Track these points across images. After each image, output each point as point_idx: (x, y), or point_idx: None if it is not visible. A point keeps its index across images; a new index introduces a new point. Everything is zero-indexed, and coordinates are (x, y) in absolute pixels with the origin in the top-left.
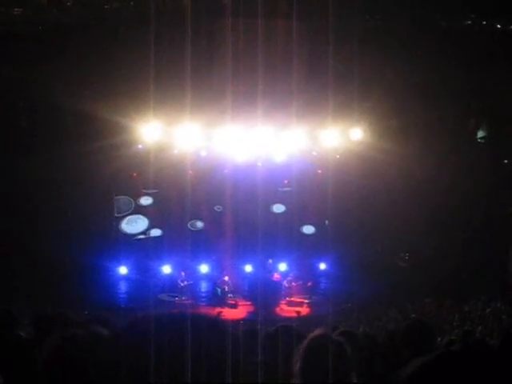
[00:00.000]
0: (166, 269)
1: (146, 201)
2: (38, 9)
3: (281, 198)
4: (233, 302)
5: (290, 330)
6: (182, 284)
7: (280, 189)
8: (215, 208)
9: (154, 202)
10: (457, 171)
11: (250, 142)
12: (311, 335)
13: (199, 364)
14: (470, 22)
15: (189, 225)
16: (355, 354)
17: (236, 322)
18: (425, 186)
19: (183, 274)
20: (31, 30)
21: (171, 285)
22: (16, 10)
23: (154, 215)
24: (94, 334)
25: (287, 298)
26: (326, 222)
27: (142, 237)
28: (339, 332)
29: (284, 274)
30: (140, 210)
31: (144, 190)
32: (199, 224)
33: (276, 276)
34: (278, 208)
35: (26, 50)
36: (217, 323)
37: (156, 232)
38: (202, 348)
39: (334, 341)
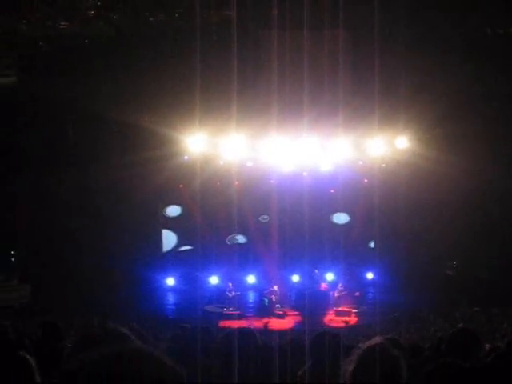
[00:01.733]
0: (214, 280)
1: (173, 211)
2: (85, 22)
3: (327, 207)
4: (280, 312)
5: (335, 337)
6: (229, 295)
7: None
8: (260, 219)
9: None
10: (505, 180)
11: (295, 152)
12: (367, 343)
13: (246, 375)
14: None
15: (227, 240)
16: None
17: (284, 332)
18: (473, 195)
19: (231, 284)
20: (78, 43)
21: (219, 296)
22: (63, 24)
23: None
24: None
25: (335, 308)
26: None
27: (187, 248)
28: (387, 340)
29: (331, 284)
30: (168, 223)
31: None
32: (240, 238)
33: (323, 286)
34: (340, 218)
35: (73, 63)
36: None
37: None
38: (250, 363)
39: (389, 352)
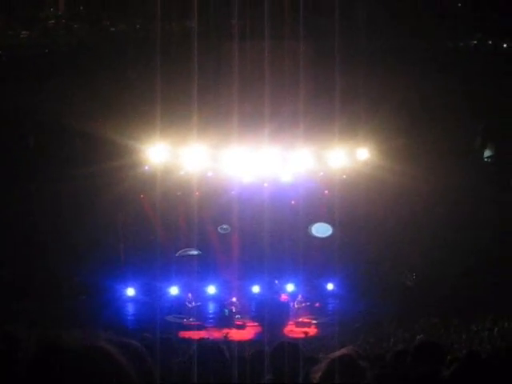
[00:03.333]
0: (174, 290)
1: None
2: (45, 31)
3: (287, 218)
4: (240, 323)
5: (294, 347)
6: (189, 305)
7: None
8: (219, 229)
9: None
10: (463, 190)
11: (256, 163)
12: (335, 354)
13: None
14: (476, 42)
15: (178, 254)
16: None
17: (243, 344)
18: (431, 205)
19: (190, 295)
20: (38, 52)
21: (179, 306)
22: (23, 32)
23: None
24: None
25: (295, 319)
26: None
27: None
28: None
29: (291, 295)
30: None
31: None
32: (193, 252)
33: (283, 297)
34: (323, 231)
35: (34, 72)
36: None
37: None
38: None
39: (357, 363)
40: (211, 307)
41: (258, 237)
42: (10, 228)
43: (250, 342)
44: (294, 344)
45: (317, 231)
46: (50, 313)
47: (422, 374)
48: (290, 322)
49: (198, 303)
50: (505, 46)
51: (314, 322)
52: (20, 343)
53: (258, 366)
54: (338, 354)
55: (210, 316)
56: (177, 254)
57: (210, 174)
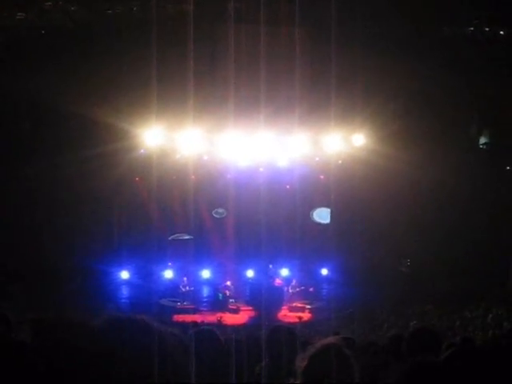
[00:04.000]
0: (168, 274)
1: None
2: (41, 13)
3: (283, 203)
4: (234, 307)
5: (291, 331)
6: (183, 289)
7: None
8: (213, 213)
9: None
10: (459, 177)
11: (252, 147)
12: (320, 342)
13: (203, 371)
14: (472, 29)
15: (170, 238)
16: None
17: (237, 328)
18: (427, 192)
19: (185, 279)
20: (34, 34)
21: (173, 290)
22: (19, 14)
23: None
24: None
25: (289, 304)
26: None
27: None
28: (340, 338)
29: (286, 280)
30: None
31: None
32: (185, 236)
33: (277, 281)
34: (324, 217)
35: (29, 55)
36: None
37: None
38: (205, 356)
39: (341, 351)
40: (205, 291)
41: (253, 221)
42: (5, 212)
43: (244, 327)
44: (290, 328)
45: (319, 217)
46: (45, 296)
47: (418, 360)
48: (284, 307)
49: (192, 287)
50: (502, 33)
51: (308, 306)
52: (13, 325)
53: (255, 351)
54: (322, 342)
55: (204, 300)
56: (169, 238)
57: (205, 157)
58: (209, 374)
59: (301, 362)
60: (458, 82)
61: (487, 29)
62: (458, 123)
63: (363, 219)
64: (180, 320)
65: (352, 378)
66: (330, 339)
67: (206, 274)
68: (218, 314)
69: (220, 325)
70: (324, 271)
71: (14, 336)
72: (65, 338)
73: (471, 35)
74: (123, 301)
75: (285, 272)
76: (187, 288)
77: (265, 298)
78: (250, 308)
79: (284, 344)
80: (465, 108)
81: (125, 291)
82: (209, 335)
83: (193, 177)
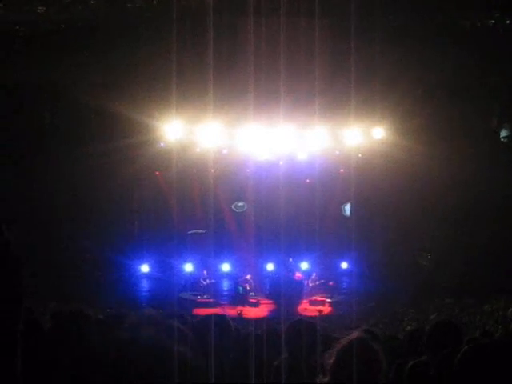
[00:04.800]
0: (188, 267)
1: None
2: (62, 7)
3: (303, 196)
4: (254, 301)
5: (311, 325)
6: (203, 282)
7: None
8: (233, 206)
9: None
10: (479, 171)
11: (271, 141)
12: (347, 338)
13: (221, 364)
14: (493, 21)
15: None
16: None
17: (257, 321)
18: (447, 185)
19: (205, 272)
20: (54, 28)
21: (193, 283)
22: (40, 8)
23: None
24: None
25: (309, 297)
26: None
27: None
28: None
29: (306, 273)
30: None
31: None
32: (199, 231)
33: (298, 275)
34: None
35: (50, 49)
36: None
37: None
38: (225, 349)
39: (369, 346)
40: (225, 284)
41: (272, 215)
42: (25, 206)
43: (264, 320)
44: (310, 322)
45: (350, 211)
46: (65, 289)
47: (439, 354)
48: (304, 301)
49: (213, 280)
50: None
51: (328, 300)
52: (36, 317)
53: (274, 344)
54: (349, 337)
55: (224, 293)
56: (189, 233)
57: (225, 151)
58: (228, 369)
59: (328, 359)
60: (479, 75)
61: (508, 21)
62: (479, 116)
63: (383, 212)
64: (200, 313)
65: (381, 373)
66: (356, 334)
67: (225, 267)
68: (238, 308)
69: (240, 318)
70: (344, 265)
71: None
72: (82, 329)
73: (492, 27)
74: (144, 294)
75: (305, 265)
76: (208, 281)
77: (285, 292)
78: (270, 301)
79: (304, 338)
80: (485, 101)
81: (145, 285)
82: (218, 321)
83: (212, 170)
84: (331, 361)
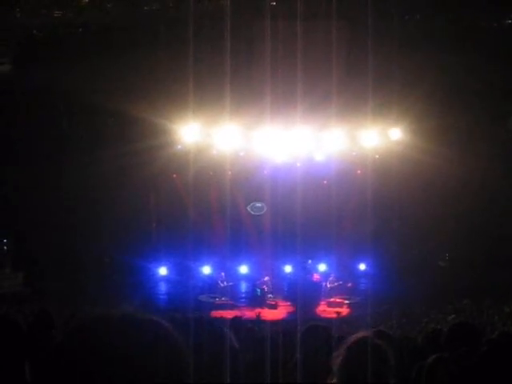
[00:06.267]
0: (206, 269)
1: None
2: (79, 11)
3: (320, 198)
4: (272, 303)
5: (326, 330)
6: (221, 285)
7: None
8: (248, 208)
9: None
10: (497, 171)
11: (289, 143)
12: (353, 337)
13: (236, 364)
14: (510, 22)
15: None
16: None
17: (276, 323)
18: (465, 186)
19: (223, 274)
20: (72, 31)
21: (211, 285)
22: (57, 12)
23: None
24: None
25: (327, 299)
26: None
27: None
28: (375, 332)
29: (324, 275)
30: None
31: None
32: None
33: (316, 276)
34: None
35: (67, 53)
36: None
37: None
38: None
39: (376, 344)
40: (243, 287)
41: (290, 216)
42: (43, 209)
43: (283, 322)
44: (325, 326)
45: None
46: (83, 292)
47: (457, 354)
48: (323, 302)
49: (231, 283)
50: None
51: (347, 302)
52: (53, 321)
53: (290, 345)
54: (355, 337)
55: (243, 295)
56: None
57: (242, 153)
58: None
59: (336, 359)
60: (496, 76)
61: None
62: (496, 117)
63: (401, 213)
64: (218, 316)
65: (388, 372)
66: (363, 333)
67: (244, 269)
68: (257, 310)
69: (259, 320)
70: (362, 266)
71: (54, 332)
72: (99, 335)
73: (508, 28)
74: (162, 297)
75: (323, 267)
76: (225, 284)
77: (303, 294)
78: (289, 303)
79: (319, 342)
80: (503, 102)
81: (163, 287)
82: (245, 326)
83: (229, 172)
84: (338, 360)
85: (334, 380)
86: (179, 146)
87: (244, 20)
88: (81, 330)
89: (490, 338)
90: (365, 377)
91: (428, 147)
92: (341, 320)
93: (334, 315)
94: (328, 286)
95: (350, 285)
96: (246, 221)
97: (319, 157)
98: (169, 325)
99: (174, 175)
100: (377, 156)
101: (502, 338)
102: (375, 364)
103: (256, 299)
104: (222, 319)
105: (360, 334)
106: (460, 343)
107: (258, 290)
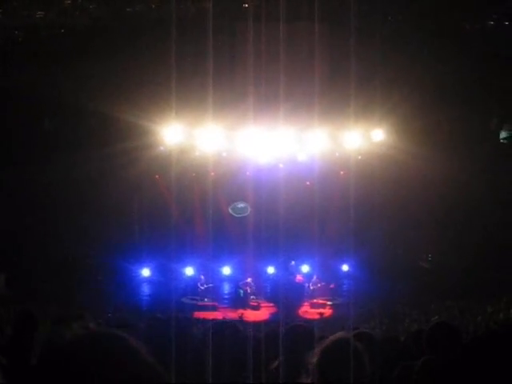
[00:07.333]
0: (189, 271)
1: None
2: (61, 12)
3: (303, 199)
4: (255, 304)
5: (307, 330)
6: (201, 287)
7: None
8: (230, 209)
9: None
10: (479, 171)
11: (271, 144)
12: (331, 338)
13: (220, 366)
14: (492, 23)
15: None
16: (372, 358)
17: (258, 324)
18: (447, 186)
19: (202, 277)
20: (54, 32)
21: (193, 287)
22: (39, 13)
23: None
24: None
25: (310, 300)
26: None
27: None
28: (356, 333)
29: (307, 276)
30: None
31: None
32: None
33: (299, 278)
34: None
35: (49, 53)
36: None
37: None
38: (224, 351)
39: (352, 346)
40: (226, 288)
41: (273, 217)
42: (26, 210)
43: (265, 323)
44: (308, 327)
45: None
46: (66, 294)
47: (437, 354)
48: (305, 303)
49: (210, 284)
50: None
51: (329, 303)
52: (36, 321)
53: (272, 347)
54: (333, 337)
55: (225, 297)
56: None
57: (224, 154)
58: (227, 369)
59: (312, 359)
60: (478, 76)
61: (506, 23)
62: (479, 118)
63: (383, 214)
64: (201, 317)
65: (363, 372)
66: (341, 334)
67: (226, 270)
68: (239, 311)
69: (241, 321)
70: (345, 267)
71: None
72: (72, 358)
73: (491, 29)
74: (144, 298)
75: (306, 268)
76: (205, 286)
77: (286, 295)
78: (271, 304)
79: (301, 342)
80: (485, 103)
81: (146, 289)
82: (227, 326)
83: (212, 174)
84: (314, 360)
85: (309, 380)
86: (162, 147)
87: (227, 22)
88: (54, 354)
89: (474, 336)
90: (339, 378)
91: (411, 148)
92: (324, 321)
93: (317, 316)
94: (311, 287)
95: (332, 286)
96: (229, 222)
97: (302, 158)
98: (133, 339)
99: (157, 176)
100: (359, 157)
101: (485, 336)
102: (350, 365)
103: (239, 300)
104: (204, 320)
105: (338, 335)
106: (440, 343)
107: (241, 291)
